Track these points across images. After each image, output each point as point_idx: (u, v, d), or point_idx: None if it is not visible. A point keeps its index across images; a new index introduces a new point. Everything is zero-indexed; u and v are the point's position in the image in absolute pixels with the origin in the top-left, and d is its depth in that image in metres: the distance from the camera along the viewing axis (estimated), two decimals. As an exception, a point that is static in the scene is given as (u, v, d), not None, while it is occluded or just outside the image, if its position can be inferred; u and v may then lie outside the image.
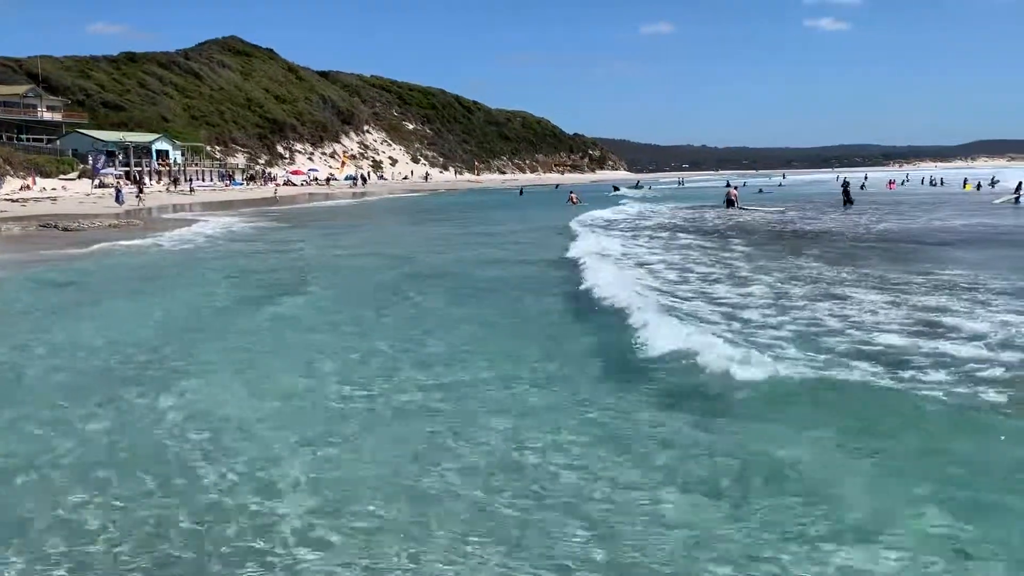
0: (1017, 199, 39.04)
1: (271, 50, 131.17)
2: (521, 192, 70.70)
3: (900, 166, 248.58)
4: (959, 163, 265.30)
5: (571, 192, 51.98)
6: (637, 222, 30.43)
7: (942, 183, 69.85)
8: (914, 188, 64.80)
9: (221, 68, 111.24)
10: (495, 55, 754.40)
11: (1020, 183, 44.41)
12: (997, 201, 39.98)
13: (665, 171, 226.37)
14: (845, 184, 41.64)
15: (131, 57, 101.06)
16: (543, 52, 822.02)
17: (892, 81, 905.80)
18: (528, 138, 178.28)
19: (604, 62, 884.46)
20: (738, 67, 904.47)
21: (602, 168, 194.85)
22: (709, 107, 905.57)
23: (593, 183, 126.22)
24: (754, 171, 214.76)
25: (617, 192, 68.20)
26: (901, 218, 29.83)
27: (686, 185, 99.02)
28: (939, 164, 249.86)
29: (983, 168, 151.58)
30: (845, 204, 36.49)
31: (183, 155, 77.70)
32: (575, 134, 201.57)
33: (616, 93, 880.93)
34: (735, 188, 39.77)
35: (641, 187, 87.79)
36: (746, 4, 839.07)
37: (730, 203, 36.45)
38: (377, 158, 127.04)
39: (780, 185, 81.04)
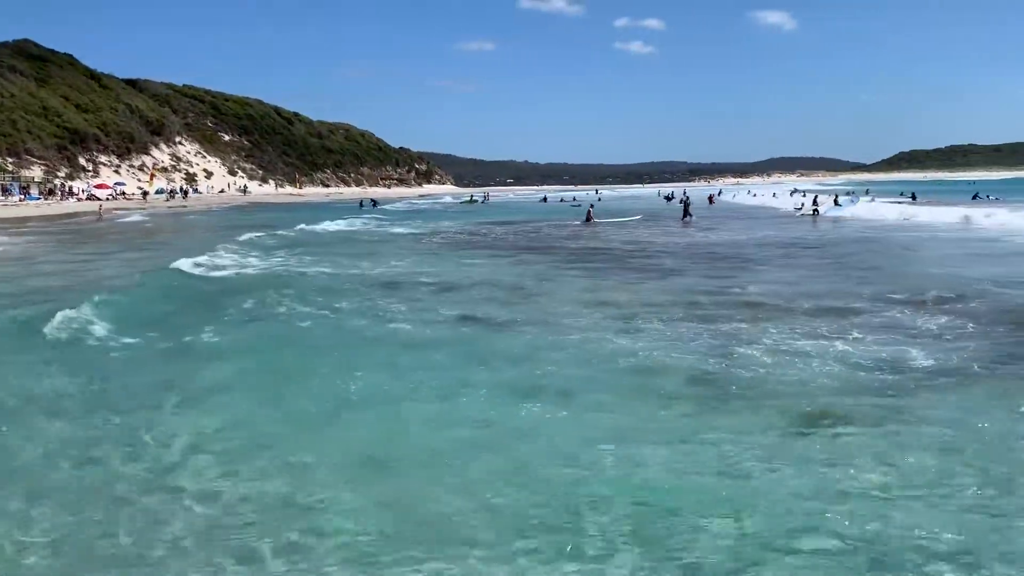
0: (815, 211, 44.59)
1: (70, 56, 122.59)
2: (361, 205, 72.44)
3: (708, 182, 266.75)
4: (756, 178, 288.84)
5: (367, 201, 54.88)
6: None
7: (754, 195, 77.69)
8: (729, 202, 71.08)
9: (12, 73, 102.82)
10: (316, 67, 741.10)
11: (816, 197, 51.48)
12: (798, 214, 45.37)
13: (490, 185, 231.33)
14: (685, 198, 48.90)
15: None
16: (365, 66, 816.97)
17: (695, 101, 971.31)
18: (353, 151, 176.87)
19: (427, 77, 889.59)
20: (557, 85, 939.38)
21: (429, 182, 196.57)
22: (531, 124, 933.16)
23: (421, 197, 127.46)
24: (573, 186, 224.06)
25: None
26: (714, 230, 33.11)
27: (491, 201, 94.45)
28: (740, 180, 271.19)
29: (777, 182, 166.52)
30: (684, 216, 41.35)
31: (-32, 167, 71.48)
32: (401, 148, 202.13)
33: (441, 108, 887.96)
34: (592, 206, 43.71)
35: (475, 201, 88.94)
36: (561, 25, 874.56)
37: (588, 219, 40.11)
38: (191, 171, 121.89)
39: (599, 199, 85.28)
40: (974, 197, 61.15)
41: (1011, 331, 10.11)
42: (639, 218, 40.40)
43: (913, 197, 61.43)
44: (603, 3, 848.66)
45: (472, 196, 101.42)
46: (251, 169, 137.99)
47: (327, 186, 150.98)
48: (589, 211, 42.19)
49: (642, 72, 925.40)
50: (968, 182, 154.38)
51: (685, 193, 57.21)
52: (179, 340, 10.42)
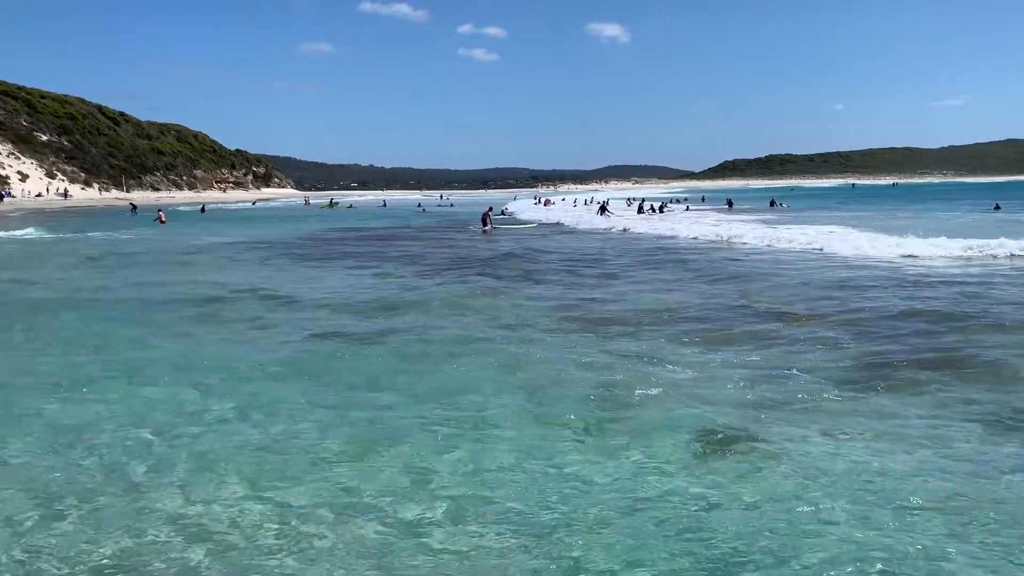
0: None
1: None
2: (134, 209, 69.17)
3: (556, 187, 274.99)
4: (594, 185, 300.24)
5: (159, 210, 54.13)
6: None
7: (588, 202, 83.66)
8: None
9: None
10: (149, 67, 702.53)
11: (641, 204, 56.48)
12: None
13: (334, 189, 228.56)
14: (604, 203, 54.57)
15: None
16: (203, 67, 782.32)
17: (537, 109, 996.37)
18: (186, 153, 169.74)
19: (267, 79, 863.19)
20: (401, 90, 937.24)
21: (268, 185, 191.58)
22: (375, 128, 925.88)
23: (261, 201, 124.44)
24: (420, 191, 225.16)
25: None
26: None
27: (340, 205, 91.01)
28: (579, 186, 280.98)
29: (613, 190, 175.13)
30: (603, 212, 47.81)
31: None
32: (237, 150, 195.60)
33: (282, 111, 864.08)
34: (490, 209, 44.41)
35: (337, 205, 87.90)
36: (404, 29, 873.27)
37: (484, 221, 40.62)
38: (2, 173, 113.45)
39: (451, 205, 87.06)
40: (771, 204, 67.57)
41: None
42: (535, 225, 41.39)
43: (729, 204, 66.41)
44: (446, 9, 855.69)
45: (332, 200, 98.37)
46: (72, 172, 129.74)
47: (157, 190, 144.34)
48: (486, 214, 41.03)
49: (485, 78, 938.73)
50: (789, 188, 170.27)
51: (607, 200, 65.34)
52: None
